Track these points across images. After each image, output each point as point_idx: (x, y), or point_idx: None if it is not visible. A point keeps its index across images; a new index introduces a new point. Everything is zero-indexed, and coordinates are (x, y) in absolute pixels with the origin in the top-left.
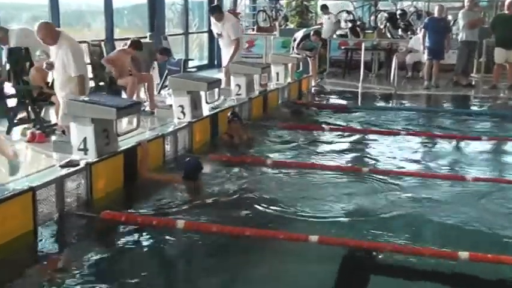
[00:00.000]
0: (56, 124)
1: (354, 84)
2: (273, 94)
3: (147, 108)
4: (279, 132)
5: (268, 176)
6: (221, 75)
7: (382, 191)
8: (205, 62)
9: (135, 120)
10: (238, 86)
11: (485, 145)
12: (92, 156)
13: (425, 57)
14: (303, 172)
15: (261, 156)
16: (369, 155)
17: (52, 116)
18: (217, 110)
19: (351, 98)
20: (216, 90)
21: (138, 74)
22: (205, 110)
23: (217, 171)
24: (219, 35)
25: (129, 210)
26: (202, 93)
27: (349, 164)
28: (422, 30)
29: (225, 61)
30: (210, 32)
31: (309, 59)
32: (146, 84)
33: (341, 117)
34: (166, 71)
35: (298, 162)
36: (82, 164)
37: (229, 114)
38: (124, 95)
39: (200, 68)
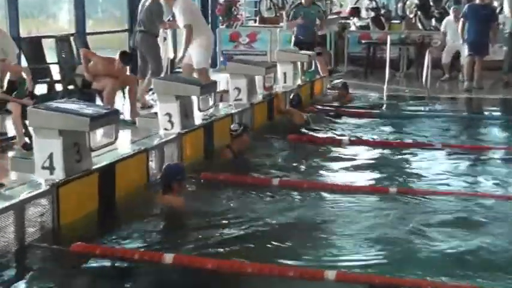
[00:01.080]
0: (14, 137)
1: (378, 86)
2: (279, 98)
3: (128, 117)
4: (288, 145)
5: (274, 199)
6: (218, 77)
7: (413, 216)
8: None
9: (112, 132)
10: (238, 89)
11: None
12: (59, 176)
13: (465, 53)
14: (317, 194)
15: (266, 175)
16: (396, 173)
17: (9, 127)
18: (212, 118)
19: (375, 103)
20: (211, 95)
21: (119, 74)
22: (198, 119)
23: (211, 194)
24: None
25: (105, 242)
26: (194, 99)
27: (373, 184)
28: (461, 20)
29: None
30: None
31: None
32: (128, 88)
33: (363, 127)
34: (150, 72)
35: (310, 182)
36: (46, 185)
37: (234, 125)
38: (99, 102)
39: None
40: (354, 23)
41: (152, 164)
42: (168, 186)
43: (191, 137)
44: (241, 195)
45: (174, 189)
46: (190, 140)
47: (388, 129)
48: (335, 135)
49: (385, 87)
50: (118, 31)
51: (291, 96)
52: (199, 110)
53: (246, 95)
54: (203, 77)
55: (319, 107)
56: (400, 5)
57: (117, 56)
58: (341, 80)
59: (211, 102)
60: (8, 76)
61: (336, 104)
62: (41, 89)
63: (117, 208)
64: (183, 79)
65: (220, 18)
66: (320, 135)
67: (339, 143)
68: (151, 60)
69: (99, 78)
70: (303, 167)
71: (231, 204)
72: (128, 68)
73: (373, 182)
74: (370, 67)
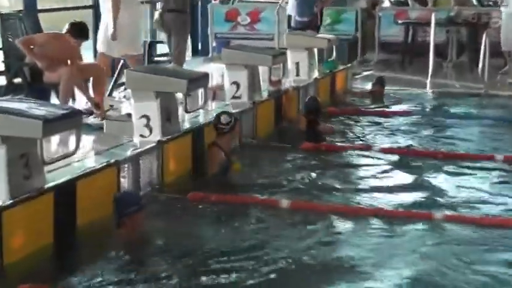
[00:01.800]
0: None
1: (420, 79)
2: (290, 97)
3: (93, 120)
4: (301, 156)
5: (283, 228)
6: (210, 68)
7: (466, 251)
8: None
9: (72, 139)
10: (236, 84)
11: None
12: (1, 198)
13: None
14: (339, 220)
15: (273, 195)
16: (443, 193)
17: None
18: (203, 123)
19: (414, 101)
20: (201, 91)
21: (73, 53)
22: (184, 123)
23: (199, 222)
24: None
25: None
26: (180, 97)
27: (412, 207)
28: None
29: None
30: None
31: None
32: (92, 80)
33: (399, 132)
34: (122, 62)
35: (330, 205)
36: None
37: (225, 117)
38: (55, 99)
39: None
40: None
41: (124, 182)
42: (120, 221)
43: (175, 146)
44: (239, 222)
45: (127, 224)
46: (174, 149)
47: (431, 135)
48: (362, 143)
49: (428, 81)
50: (79, 7)
51: (306, 102)
52: (186, 111)
53: (246, 92)
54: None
55: (343, 107)
56: None
57: (66, 29)
58: (369, 71)
59: (201, 101)
60: None
61: (368, 103)
62: None
63: (78, 241)
64: (163, 71)
65: None
66: (343, 143)
67: (367, 153)
68: (182, 42)
69: (53, 66)
70: (320, 185)
71: (225, 235)
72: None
73: (412, 204)
74: (408, 55)
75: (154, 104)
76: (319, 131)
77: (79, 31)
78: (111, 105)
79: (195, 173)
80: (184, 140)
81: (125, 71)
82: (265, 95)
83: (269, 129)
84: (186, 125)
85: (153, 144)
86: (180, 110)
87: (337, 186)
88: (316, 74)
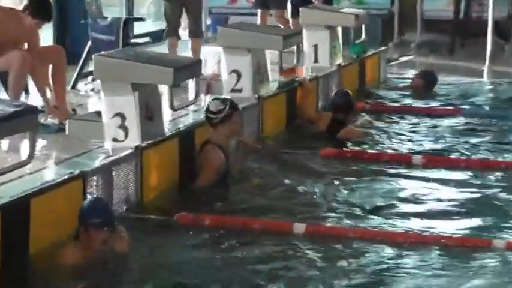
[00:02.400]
0: None
1: (474, 66)
2: (307, 89)
3: (51, 119)
4: (321, 166)
5: (298, 261)
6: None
7: None
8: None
9: (25, 144)
10: (236, 73)
11: None
12: None
13: None
14: (371, 250)
15: (284, 216)
16: (504, 215)
17: None
18: (193, 123)
19: (467, 96)
20: (191, 83)
21: (31, 36)
22: (170, 124)
23: (191, 252)
24: None
25: None
26: (165, 90)
27: (466, 233)
28: None
29: None
30: None
31: None
32: (51, 68)
33: (446, 136)
34: (89, 44)
35: (360, 230)
36: None
37: (216, 103)
38: (3, 92)
39: (157, 36)
40: None
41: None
42: (79, 230)
43: (158, 152)
44: (241, 252)
45: (85, 237)
46: (157, 157)
47: (489, 141)
48: (400, 150)
49: (485, 67)
50: None
51: (334, 96)
52: (172, 108)
53: (250, 83)
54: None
55: (375, 102)
56: None
57: (24, 6)
58: (409, 56)
59: (191, 96)
60: None
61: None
62: None
63: (30, 273)
64: (143, 56)
65: None
66: (374, 149)
67: (406, 163)
68: (199, 19)
69: (1, 50)
70: (346, 203)
71: (222, 270)
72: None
73: (465, 228)
74: (460, 35)
75: (131, 98)
76: (346, 134)
77: (40, 9)
78: (74, 110)
79: (183, 187)
80: (170, 145)
81: (93, 56)
82: (274, 87)
83: (279, 131)
84: (172, 126)
85: (130, 151)
86: (165, 106)
87: (368, 204)
88: (339, 60)
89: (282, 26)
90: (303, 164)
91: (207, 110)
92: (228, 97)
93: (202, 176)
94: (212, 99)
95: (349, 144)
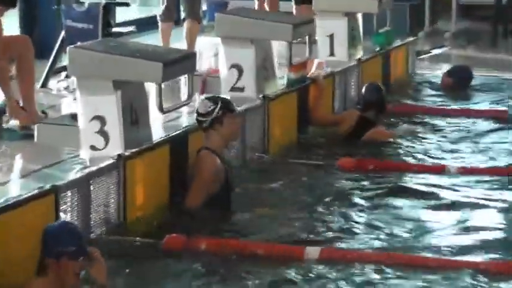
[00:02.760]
0: None
1: None
2: (321, 87)
3: (14, 122)
4: (338, 179)
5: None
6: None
7: None
8: (155, 12)
9: None
10: (237, 68)
11: None
12: None
13: None
14: (399, 276)
15: (295, 239)
16: None
17: None
18: (186, 127)
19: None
20: (184, 80)
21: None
22: (159, 128)
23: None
24: None
25: None
26: (152, 89)
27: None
28: None
29: None
30: None
31: None
32: (16, 62)
33: (487, 143)
34: (62, 34)
35: (384, 254)
36: None
37: (204, 102)
38: None
39: (143, 25)
40: None
41: (66, 219)
42: (43, 264)
43: (145, 163)
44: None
45: (52, 271)
46: (144, 169)
47: None
48: (431, 159)
49: None
50: None
51: (365, 91)
52: (161, 110)
53: (253, 80)
54: None
55: (402, 103)
56: None
57: None
58: (443, 48)
59: (184, 95)
60: None
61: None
62: None
63: None
64: (126, 48)
65: None
66: (402, 158)
67: (438, 174)
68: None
69: None
70: (367, 223)
71: None
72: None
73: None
74: (503, 23)
75: (112, 99)
76: (374, 135)
77: None
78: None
79: (174, 204)
80: (159, 154)
81: (67, 48)
82: (282, 85)
83: (289, 138)
84: (161, 132)
85: (111, 161)
86: (153, 108)
87: (395, 224)
88: (360, 53)
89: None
90: (317, 177)
91: (196, 112)
92: (223, 96)
93: (194, 189)
94: (202, 99)
95: (373, 150)
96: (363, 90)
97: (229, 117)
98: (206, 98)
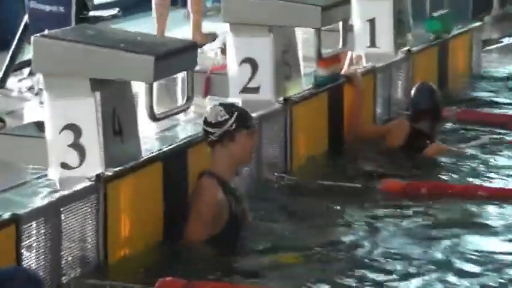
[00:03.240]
0: None
1: None
2: (358, 88)
3: None
4: (380, 205)
5: None
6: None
7: None
8: None
9: None
10: (251, 63)
11: None
12: None
13: None
14: None
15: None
16: None
17: None
18: (185, 140)
19: None
20: (182, 78)
21: None
22: (149, 141)
23: None
24: None
25: None
26: (141, 90)
27: None
28: None
29: None
30: None
31: None
32: None
33: None
34: (25, 20)
35: None
36: None
37: (216, 110)
38: None
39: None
40: None
41: (30, 258)
42: None
43: (131, 186)
44: None
45: None
46: (129, 193)
47: None
48: (504, 181)
49: None
50: None
51: (415, 93)
52: (152, 117)
53: (271, 79)
54: None
55: (464, 107)
56: None
57: None
58: None
59: (180, 100)
60: None
61: None
62: None
63: None
64: (107, 38)
65: None
66: (464, 181)
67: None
68: None
69: None
70: (423, 266)
71: None
72: None
73: None
74: None
75: (88, 102)
76: (436, 153)
77: None
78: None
79: (169, 239)
80: (149, 174)
81: (31, 38)
82: (308, 84)
83: (317, 152)
84: (153, 145)
85: (88, 184)
86: (142, 115)
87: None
88: (409, 43)
89: None
90: (354, 204)
91: (204, 121)
92: (240, 106)
93: (192, 223)
94: (215, 105)
95: (426, 169)
96: (412, 93)
97: (243, 135)
98: (220, 105)
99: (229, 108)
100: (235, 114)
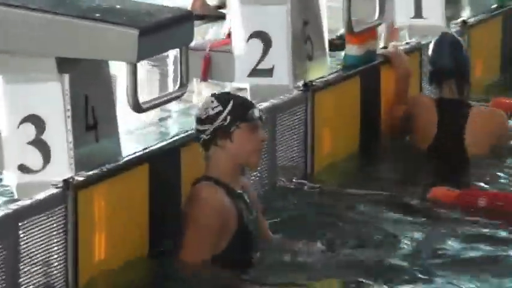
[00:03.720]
0: None
1: None
2: (400, 68)
3: None
4: (428, 216)
5: None
6: None
7: None
8: None
9: None
10: (262, 38)
11: None
12: None
13: None
14: None
15: None
16: None
17: None
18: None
19: None
20: (174, 56)
21: None
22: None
23: None
24: None
25: None
26: (121, 73)
27: None
28: None
29: None
30: None
31: None
32: None
33: None
34: None
35: None
36: None
37: (208, 103)
38: None
39: None
40: None
41: None
42: None
43: (109, 195)
44: None
45: None
46: (106, 204)
47: None
48: None
49: None
50: None
51: (431, 52)
52: (136, 107)
53: (287, 58)
54: None
55: None
56: None
57: None
58: None
59: (172, 85)
60: None
61: None
62: None
63: None
64: (79, 4)
65: None
66: None
67: None
68: None
69: None
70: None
71: None
72: None
73: None
74: None
75: (54, 88)
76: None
77: None
78: None
79: (155, 258)
80: (132, 180)
81: None
82: (334, 65)
83: (347, 154)
84: (137, 143)
85: (54, 191)
86: (122, 104)
87: None
88: (465, 13)
89: None
90: (394, 218)
91: (195, 117)
92: (244, 89)
93: (188, 241)
94: (206, 97)
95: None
96: (430, 48)
97: (242, 130)
98: (213, 95)
99: (223, 97)
100: (230, 104)
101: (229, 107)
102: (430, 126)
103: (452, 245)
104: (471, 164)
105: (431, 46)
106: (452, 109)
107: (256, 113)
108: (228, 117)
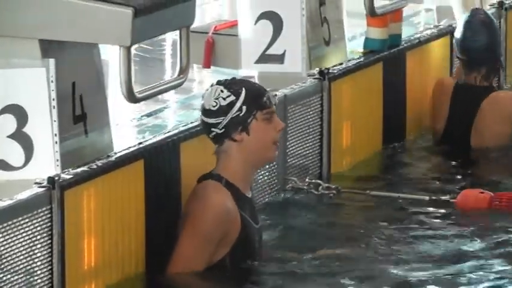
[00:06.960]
0: None
1: None
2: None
3: None
4: (456, 224)
5: None
6: None
7: None
8: None
9: None
10: (272, 20)
11: None
12: None
13: None
14: None
15: None
16: None
17: None
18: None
19: None
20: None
21: None
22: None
23: None
24: None
25: None
26: (114, 58)
27: None
28: None
29: None
30: None
31: None
32: None
33: None
34: None
35: None
36: None
37: (209, 94)
38: None
39: None
40: None
41: None
42: None
43: (100, 194)
44: None
45: None
46: (98, 205)
47: None
48: None
49: None
50: None
51: (460, 31)
52: (130, 96)
53: (301, 42)
54: None
55: None
56: None
57: None
58: None
59: (170, 72)
60: None
61: None
62: None
63: None
64: None
65: None
66: None
67: None
68: None
69: None
70: None
71: None
72: None
73: None
74: None
75: (38, 73)
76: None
77: None
78: None
79: (153, 265)
80: (126, 177)
81: None
82: (354, 51)
83: (368, 151)
84: (131, 137)
85: (38, 191)
86: (115, 93)
87: None
88: None
89: None
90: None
91: (202, 109)
92: (251, 77)
93: (184, 246)
94: (211, 86)
95: None
96: (459, 26)
97: (260, 120)
98: (219, 83)
99: (233, 85)
100: (243, 92)
101: (242, 96)
102: (442, 109)
103: (477, 249)
104: (475, 159)
105: (459, 24)
106: (466, 96)
107: (272, 99)
108: (244, 108)
